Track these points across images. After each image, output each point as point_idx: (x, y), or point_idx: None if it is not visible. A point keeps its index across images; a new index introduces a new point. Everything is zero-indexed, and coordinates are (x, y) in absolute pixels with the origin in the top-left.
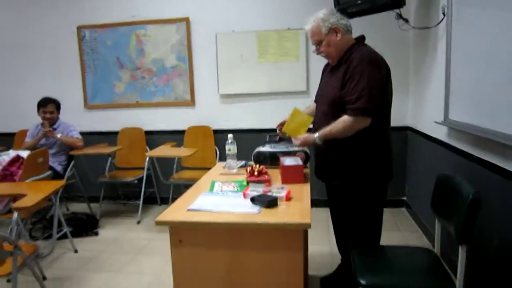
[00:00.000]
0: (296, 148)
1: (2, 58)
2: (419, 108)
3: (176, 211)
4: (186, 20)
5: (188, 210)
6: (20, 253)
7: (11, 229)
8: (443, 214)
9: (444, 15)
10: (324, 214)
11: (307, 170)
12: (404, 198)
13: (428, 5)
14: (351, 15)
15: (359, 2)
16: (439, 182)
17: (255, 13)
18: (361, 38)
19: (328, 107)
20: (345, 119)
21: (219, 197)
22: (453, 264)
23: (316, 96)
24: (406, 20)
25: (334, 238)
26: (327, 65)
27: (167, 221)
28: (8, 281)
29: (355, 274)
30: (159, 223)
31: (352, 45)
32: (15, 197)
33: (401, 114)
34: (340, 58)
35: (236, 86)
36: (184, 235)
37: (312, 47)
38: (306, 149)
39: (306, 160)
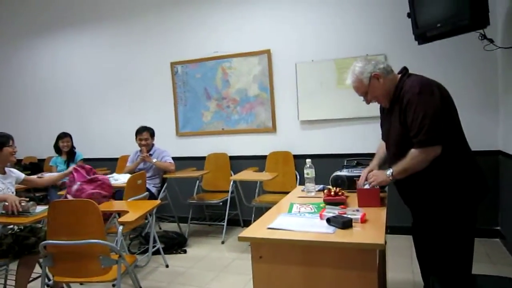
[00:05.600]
0: None
1: (109, 93)
2: (510, 131)
3: (257, 229)
4: (268, 52)
5: (268, 228)
6: (124, 262)
7: (116, 241)
8: None
9: None
10: (407, 241)
11: (384, 195)
12: (498, 227)
13: None
14: (430, 39)
15: (438, 25)
16: None
17: (333, 42)
18: (404, 71)
19: (395, 148)
20: (412, 153)
21: (297, 218)
22: None
23: (382, 135)
24: (491, 40)
25: (417, 266)
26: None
27: (249, 237)
28: (113, 285)
29: None
30: (242, 239)
31: (398, 82)
32: (119, 213)
33: (490, 138)
34: (391, 99)
35: (316, 113)
36: (264, 251)
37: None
38: None
39: (384, 185)
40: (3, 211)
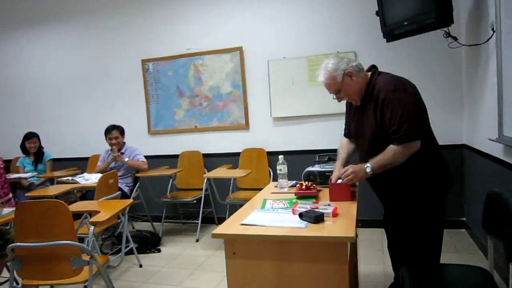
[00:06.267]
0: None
1: (78, 91)
2: (473, 126)
3: (230, 226)
4: (240, 50)
5: (241, 224)
6: (95, 263)
7: (87, 242)
8: (494, 231)
9: (494, 31)
10: (377, 234)
11: (355, 189)
12: (464, 218)
13: (477, 22)
14: (398, 37)
15: (405, 23)
16: (489, 199)
17: (304, 39)
18: (374, 69)
19: (368, 144)
20: (394, 148)
21: (270, 213)
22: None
23: (347, 130)
24: (455, 38)
25: (388, 258)
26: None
27: (222, 234)
28: (85, 287)
29: None
30: (215, 236)
31: (369, 80)
32: (90, 213)
33: (455, 132)
34: (363, 96)
35: (288, 110)
36: (237, 248)
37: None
38: None
39: None
40: None
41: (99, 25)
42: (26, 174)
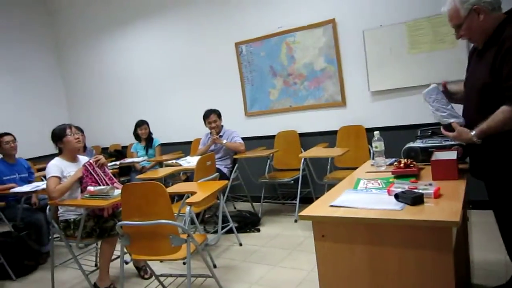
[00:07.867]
0: (451, 142)
1: (178, 79)
2: None
3: (319, 207)
4: (332, 22)
5: (330, 206)
6: (193, 241)
7: (184, 221)
8: None
9: None
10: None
11: (464, 166)
12: None
13: None
14: None
15: None
16: None
17: (401, 3)
18: None
19: (476, 96)
20: (505, 110)
21: (363, 194)
22: None
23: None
24: None
25: None
26: (474, 48)
27: (310, 216)
28: (184, 263)
29: None
30: (303, 218)
31: (501, 22)
32: (189, 194)
33: None
34: (487, 39)
35: (387, 82)
36: (326, 230)
37: None
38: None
39: (463, 155)
40: (87, 195)
41: (194, 14)
42: (139, 158)
